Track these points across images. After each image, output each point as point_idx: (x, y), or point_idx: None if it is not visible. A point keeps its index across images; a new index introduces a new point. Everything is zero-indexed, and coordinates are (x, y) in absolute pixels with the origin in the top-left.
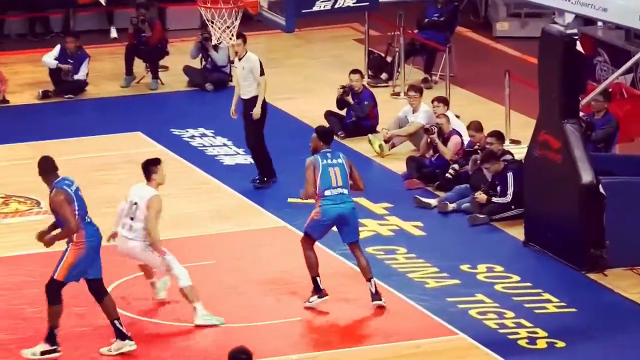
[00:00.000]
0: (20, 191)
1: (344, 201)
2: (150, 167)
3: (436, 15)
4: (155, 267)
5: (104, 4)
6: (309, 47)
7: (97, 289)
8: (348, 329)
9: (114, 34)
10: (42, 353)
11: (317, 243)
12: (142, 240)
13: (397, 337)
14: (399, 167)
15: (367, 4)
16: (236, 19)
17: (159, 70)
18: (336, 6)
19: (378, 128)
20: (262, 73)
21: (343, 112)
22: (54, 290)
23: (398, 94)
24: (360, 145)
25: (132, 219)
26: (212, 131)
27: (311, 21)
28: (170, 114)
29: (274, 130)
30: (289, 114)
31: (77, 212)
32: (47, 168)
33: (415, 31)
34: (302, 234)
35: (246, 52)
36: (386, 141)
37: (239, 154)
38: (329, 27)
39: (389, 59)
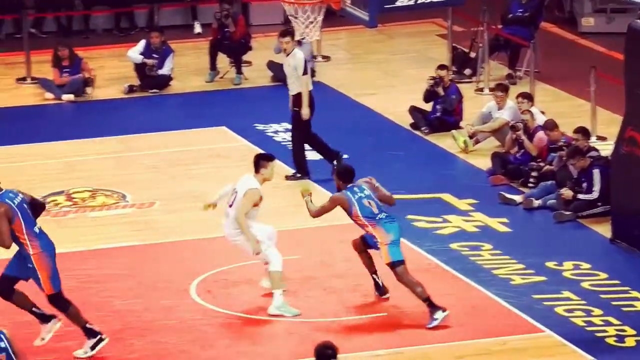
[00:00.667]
0: (107, 185)
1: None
2: (261, 161)
3: (520, 10)
4: (249, 253)
5: None
6: (391, 43)
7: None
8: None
9: (198, 29)
10: (93, 347)
11: (404, 241)
12: (234, 228)
13: (482, 333)
14: (484, 163)
15: None
16: (319, 15)
17: (243, 65)
18: (419, 1)
19: (462, 124)
20: (305, 72)
21: (428, 107)
22: (57, 302)
23: (482, 90)
24: (444, 140)
25: (230, 206)
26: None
27: (394, 17)
28: (253, 109)
29: (358, 126)
30: (372, 109)
31: (23, 226)
32: None
33: (500, 27)
34: None
35: (293, 48)
36: (470, 137)
37: None
38: (411, 22)
39: (472, 54)
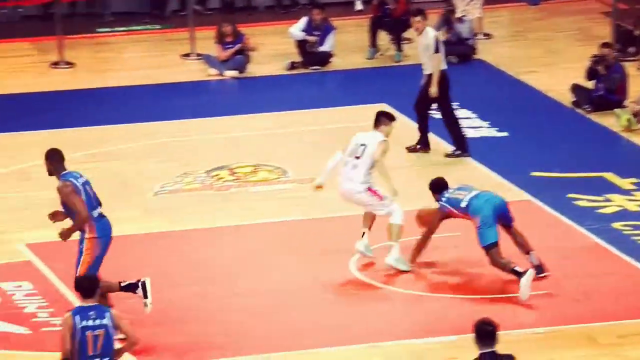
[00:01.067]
0: (268, 160)
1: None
2: (382, 117)
3: None
4: (371, 208)
5: None
6: (553, 20)
7: None
8: (595, 303)
9: (359, 6)
10: (145, 295)
11: (565, 220)
12: (361, 182)
13: None
14: None
15: None
16: None
17: (403, 42)
18: None
19: (625, 102)
20: (436, 50)
21: (590, 85)
22: (81, 286)
23: None
24: (607, 119)
25: (357, 157)
26: (457, 103)
27: None
28: (414, 86)
29: (518, 104)
30: (533, 87)
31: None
32: (56, 158)
33: None
34: (549, 210)
35: (425, 27)
36: (634, 115)
37: (483, 126)
38: (574, 0)
39: (637, 32)
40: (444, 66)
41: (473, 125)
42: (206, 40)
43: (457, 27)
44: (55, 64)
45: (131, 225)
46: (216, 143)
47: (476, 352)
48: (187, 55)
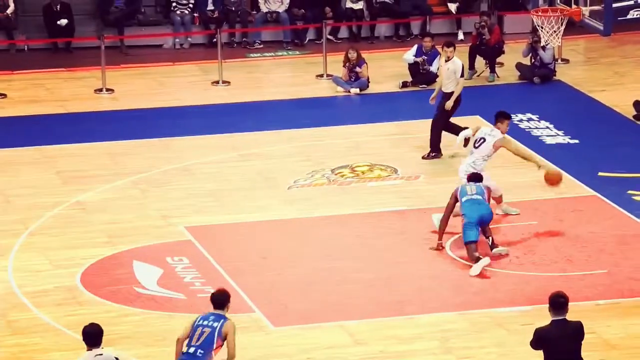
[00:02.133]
0: (382, 160)
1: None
2: (500, 117)
3: None
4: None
5: (454, 12)
6: (622, 48)
7: None
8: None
9: (460, 36)
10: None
11: (624, 212)
12: (474, 167)
13: None
14: None
15: None
16: (562, 25)
17: (496, 65)
18: None
19: None
20: (462, 75)
21: None
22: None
23: None
24: None
25: (475, 147)
26: (537, 116)
27: (625, 26)
28: (504, 102)
29: (590, 117)
30: (602, 103)
31: None
32: None
33: None
34: (611, 204)
35: (453, 56)
36: None
37: (559, 135)
38: (638, 31)
39: None
40: (462, 88)
41: (550, 134)
42: (336, 63)
43: (541, 53)
44: (216, 83)
45: (271, 212)
46: (341, 146)
47: (549, 320)
48: (320, 75)
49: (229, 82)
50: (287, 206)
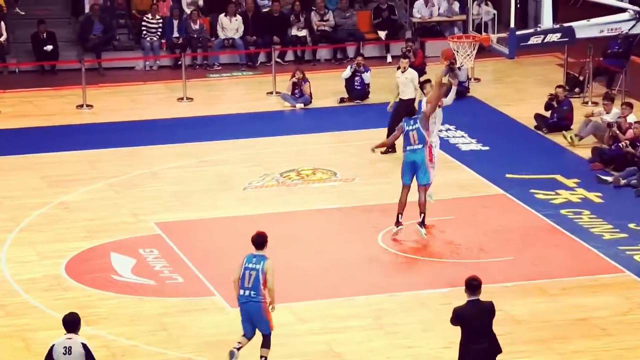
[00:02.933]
0: (323, 165)
1: (416, 153)
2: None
3: (616, 47)
4: None
5: (383, 38)
6: (523, 69)
7: None
8: (546, 266)
9: (389, 59)
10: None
11: (528, 208)
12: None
13: (579, 273)
14: (586, 154)
15: (567, 39)
16: (474, 49)
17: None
18: (545, 41)
19: (572, 127)
20: (419, 84)
21: (548, 114)
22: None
23: (587, 103)
24: (558, 138)
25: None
26: (454, 127)
27: (526, 51)
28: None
29: (498, 127)
30: (508, 115)
31: None
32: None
33: (601, 59)
34: (516, 201)
35: (408, 68)
36: (576, 135)
37: (472, 142)
38: (538, 55)
39: (581, 78)
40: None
41: (465, 142)
42: (284, 82)
43: (456, 73)
44: (181, 99)
45: (228, 210)
46: (288, 153)
47: (465, 300)
48: (270, 93)
49: (192, 99)
50: (242, 205)
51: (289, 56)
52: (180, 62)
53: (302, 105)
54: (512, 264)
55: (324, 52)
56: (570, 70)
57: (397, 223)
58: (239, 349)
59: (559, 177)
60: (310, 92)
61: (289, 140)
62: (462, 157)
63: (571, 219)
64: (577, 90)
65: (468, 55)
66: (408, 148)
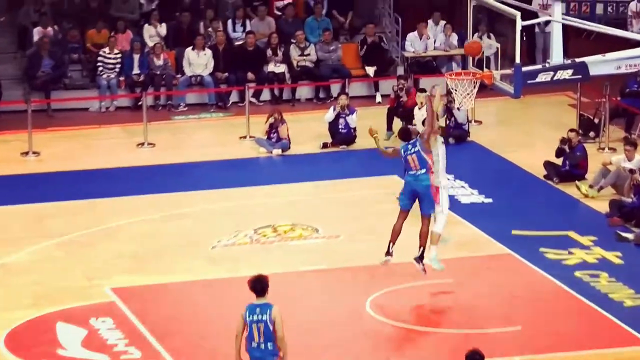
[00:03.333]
0: (304, 220)
1: (419, 180)
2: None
3: (635, 86)
4: None
5: (372, 75)
6: (530, 110)
7: None
8: (559, 336)
9: (378, 98)
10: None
11: (537, 269)
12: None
13: (597, 344)
14: (603, 207)
15: (580, 77)
16: (474, 88)
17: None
18: (555, 78)
19: (587, 176)
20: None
21: (559, 162)
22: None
23: (603, 149)
24: (571, 189)
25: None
26: (452, 175)
27: (534, 89)
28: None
29: (502, 176)
30: (513, 163)
31: None
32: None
33: (618, 98)
34: (524, 261)
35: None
36: (591, 186)
37: (473, 194)
38: (547, 94)
39: (596, 120)
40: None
41: (465, 193)
42: (259, 125)
43: (455, 114)
44: (141, 144)
45: (195, 272)
46: (263, 206)
47: None
48: (243, 137)
49: (154, 144)
50: (212, 266)
51: (265, 95)
52: (140, 103)
53: (279, 151)
54: (520, 335)
55: (304, 91)
56: (583, 112)
57: (387, 253)
58: None
59: (572, 234)
60: (289, 136)
61: (264, 191)
62: (462, 210)
63: (587, 283)
64: (591, 134)
65: (468, 94)
66: (409, 173)
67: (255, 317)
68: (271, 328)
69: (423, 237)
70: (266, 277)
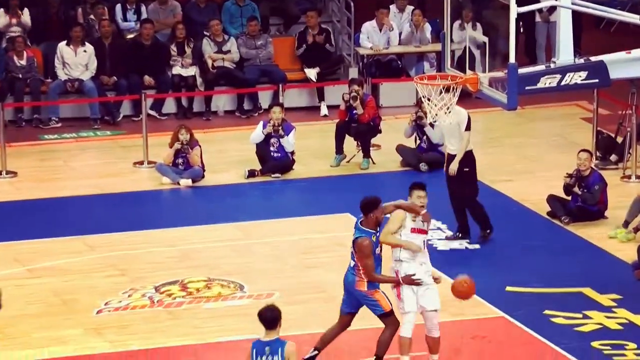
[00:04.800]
0: (224, 274)
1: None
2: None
3: None
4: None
5: (314, 80)
6: (531, 126)
7: None
8: None
9: (324, 111)
10: None
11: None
12: None
13: None
14: (629, 255)
15: (597, 80)
16: (454, 96)
17: (371, 148)
18: (563, 83)
19: (606, 214)
20: (467, 128)
21: (567, 197)
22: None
23: (629, 177)
24: (585, 231)
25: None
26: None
27: (535, 98)
28: (382, 195)
29: (492, 214)
30: (508, 196)
31: None
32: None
33: None
34: (524, 328)
35: (455, 106)
36: (635, 230)
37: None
38: (553, 105)
39: (619, 139)
40: (471, 146)
41: (442, 238)
42: (161, 147)
43: (428, 132)
44: None
45: (73, 345)
46: (167, 256)
47: None
48: (140, 163)
49: (15, 173)
50: (95, 337)
51: (169, 107)
52: None
53: (189, 182)
54: None
55: (223, 100)
56: (602, 128)
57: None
58: None
59: (588, 292)
60: (202, 162)
61: (168, 235)
62: (440, 260)
63: (608, 356)
64: (613, 157)
65: (445, 105)
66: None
67: (264, 358)
68: None
69: (380, 344)
70: (277, 308)
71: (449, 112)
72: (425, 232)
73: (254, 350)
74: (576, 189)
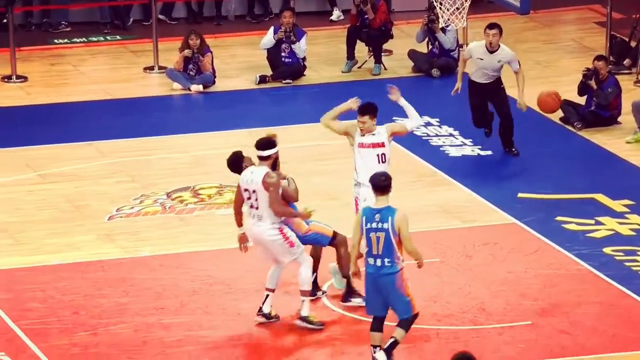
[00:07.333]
0: (235, 181)
1: None
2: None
3: None
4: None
5: None
6: (543, 31)
7: None
8: (582, 336)
9: (336, 15)
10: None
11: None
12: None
13: (632, 345)
14: None
15: None
16: (466, 0)
17: (382, 54)
18: None
19: (620, 119)
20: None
21: (582, 100)
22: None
23: None
24: (598, 137)
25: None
26: (437, 120)
27: (547, 2)
28: (393, 103)
29: None
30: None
31: None
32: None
33: None
34: (535, 234)
35: (500, 45)
36: None
37: (465, 144)
38: (566, 9)
39: (633, 43)
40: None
41: (455, 144)
42: (171, 52)
43: (440, 38)
44: (7, 78)
45: (84, 251)
46: (179, 162)
47: None
48: (150, 68)
49: (25, 78)
50: (107, 243)
51: (180, 11)
52: (5, 21)
53: (200, 88)
54: (530, 332)
55: (233, 5)
56: (615, 32)
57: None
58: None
59: (600, 197)
60: (213, 68)
61: (180, 142)
62: (451, 166)
63: (620, 262)
64: (626, 62)
65: (457, 9)
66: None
67: (373, 225)
68: (392, 241)
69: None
70: (389, 175)
71: (462, 16)
72: (380, 144)
73: (364, 218)
74: (592, 83)
